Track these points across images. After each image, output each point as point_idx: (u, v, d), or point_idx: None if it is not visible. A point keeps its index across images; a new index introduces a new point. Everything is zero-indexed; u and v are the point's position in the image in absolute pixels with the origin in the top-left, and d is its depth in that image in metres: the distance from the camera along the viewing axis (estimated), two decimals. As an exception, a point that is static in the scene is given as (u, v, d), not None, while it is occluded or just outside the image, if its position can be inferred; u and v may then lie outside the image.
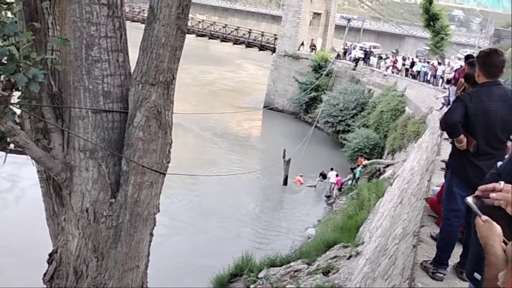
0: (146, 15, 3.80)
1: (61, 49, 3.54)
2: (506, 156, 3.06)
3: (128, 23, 4.04)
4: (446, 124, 3.34)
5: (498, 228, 1.36)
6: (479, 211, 1.44)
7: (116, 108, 3.67)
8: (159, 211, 4.00)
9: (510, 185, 1.39)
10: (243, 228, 17.86)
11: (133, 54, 3.67)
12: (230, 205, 19.45)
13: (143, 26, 3.72)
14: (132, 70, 3.74)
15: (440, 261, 3.52)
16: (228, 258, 13.28)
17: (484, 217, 1.40)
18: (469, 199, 1.51)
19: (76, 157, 3.63)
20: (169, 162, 3.89)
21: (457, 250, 3.62)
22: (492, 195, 1.39)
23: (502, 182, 1.43)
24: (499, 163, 2.03)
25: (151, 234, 4.04)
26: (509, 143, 3.44)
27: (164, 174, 3.87)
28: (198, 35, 43.14)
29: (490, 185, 1.43)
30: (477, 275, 1.93)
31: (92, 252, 3.71)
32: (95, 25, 3.49)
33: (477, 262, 1.92)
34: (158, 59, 3.51)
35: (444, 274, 3.51)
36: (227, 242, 16.08)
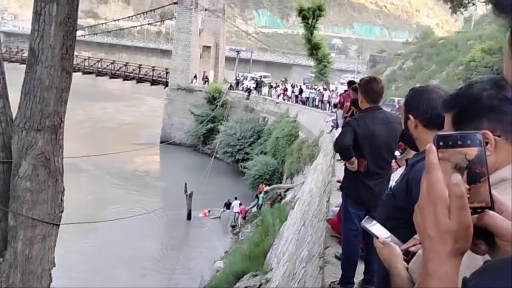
0: (25, 55, 3.57)
1: None
2: (393, 175, 3.32)
3: (5, 64, 3.76)
4: (340, 149, 3.56)
5: (397, 249, 1.44)
6: (375, 233, 1.51)
7: (-2, 158, 3.36)
8: (54, 266, 3.69)
9: None
10: (149, 271, 17.13)
11: (14, 98, 3.40)
12: (134, 249, 18.56)
13: (22, 66, 3.49)
14: (14, 116, 3.46)
15: (346, 280, 3.66)
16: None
17: (382, 239, 1.47)
18: (363, 223, 1.57)
19: (-48, 216, 3.24)
20: (62, 211, 3.62)
21: (361, 267, 3.78)
22: (412, 249, 1.47)
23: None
24: (392, 184, 2.18)
25: (48, 292, 3.70)
26: (393, 163, 3.74)
27: (58, 225, 3.59)
28: (84, 73, 41.46)
29: (411, 242, 1.51)
30: None
31: (-22, 322, 3.29)
32: (-32, 70, 3.20)
33: (384, 281, 2.00)
34: (42, 102, 3.30)
35: (352, 292, 3.65)
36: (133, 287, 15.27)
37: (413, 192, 1.95)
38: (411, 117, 2.01)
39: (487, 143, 1.22)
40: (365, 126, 3.45)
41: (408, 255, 1.44)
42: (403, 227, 1.69)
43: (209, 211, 23.15)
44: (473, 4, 45.89)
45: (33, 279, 3.46)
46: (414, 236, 1.51)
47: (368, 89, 3.50)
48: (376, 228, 1.53)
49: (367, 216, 1.60)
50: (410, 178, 1.97)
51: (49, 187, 3.44)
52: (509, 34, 0.62)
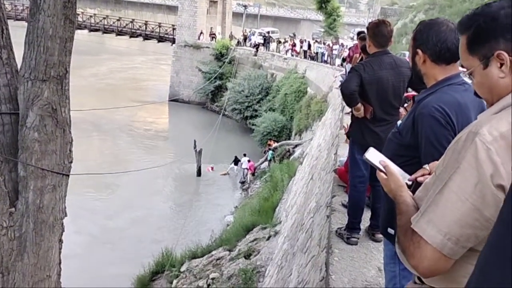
0: (30, 10, 3.51)
1: None
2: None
3: (11, 22, 3.71)
4: (344, 94, 3.49)
5: (400, 179, 1.46)
6: (379, 165, 1.53)
7: (5, 109, 3.37)
8: (66, 215, 3.76)
9: (434, 163, 1.48)
10: (161, 225, 17.51)
11: (19, 53, 3.39)
12: (144, 203, 18.94)
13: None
14: (19, 67, 3.45)
15: (352, 226, 3.70)
16: (149, 258, 12.91)
17: (385, 169, 1.50)
18: (366, 155, 1.59)
19: (-36, 167, 3.29)
20: (71, 162, 3.66)
21: (367, 215, 3.82)
22: (420, 179, 1.48)
23: (426, 166, 1.53)
24: (399, 122, 2.16)
25: (61, 241, 3.79)
26: (401, 109, 3.69)
27: (68, 176, 3.64)
28: (90, 30, 40.95)
29: (419, 172, 1.52)
30: (390, 230, 2.05)
31: (-5, 269, 3.40)
32: (-30, 20, 3.16)
33: (389, 218, 2.03)
34: (47, 52, 3.27)
35: (358, 238, 3.70)
36: (146, 243, 15.65)
37: (418, 127, 1.92)
38: (419, 51, 1.94)
39: (502, 64, 1.16)
40: (371, 70, 3.36)
41: (411, 187, 1.46)
42: (409, 164, 1.68)
43: (212, 168, 23.35)
44: (489, -48, 44.16)
45: (45, 228, 3.53)
46: (424, 167, 1.52)
47: (376, 32, 3.38)
48: (380, 158, 1.55)
49: (370, 148, 1.60)
50: (417, 114, 1.93)
51: (57, 138, 3.46)
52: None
